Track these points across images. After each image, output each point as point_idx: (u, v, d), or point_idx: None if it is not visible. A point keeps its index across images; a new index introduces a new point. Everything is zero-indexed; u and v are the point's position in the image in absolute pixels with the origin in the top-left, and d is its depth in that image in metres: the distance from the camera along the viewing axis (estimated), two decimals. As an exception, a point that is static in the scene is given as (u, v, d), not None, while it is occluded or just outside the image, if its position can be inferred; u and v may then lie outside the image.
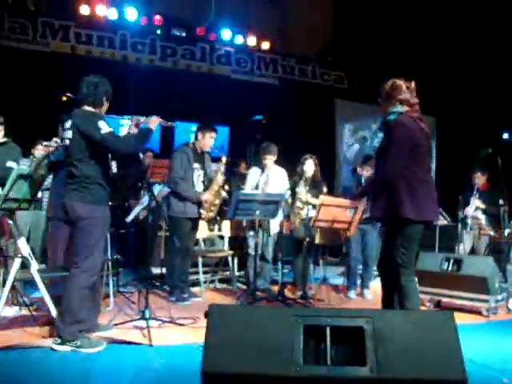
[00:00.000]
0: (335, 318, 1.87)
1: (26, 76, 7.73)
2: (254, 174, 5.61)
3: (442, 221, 6.71)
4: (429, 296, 5.25)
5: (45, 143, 4.73)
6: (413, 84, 3.43)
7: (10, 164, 4.49)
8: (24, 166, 4.74)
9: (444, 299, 5.19)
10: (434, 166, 11.60)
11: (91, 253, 3.51)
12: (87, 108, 3.63)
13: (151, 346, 3.58)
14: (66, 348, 3.43)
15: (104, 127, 3.46)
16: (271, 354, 1.80)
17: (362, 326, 1.85)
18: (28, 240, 5.04)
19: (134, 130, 3.82)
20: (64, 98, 6.01)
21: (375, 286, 6.34)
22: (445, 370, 1.78)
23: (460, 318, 4.71)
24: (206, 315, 1.95)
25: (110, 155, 3.74)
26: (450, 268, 5.11)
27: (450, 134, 10.88)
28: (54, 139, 4.46)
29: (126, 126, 8.62)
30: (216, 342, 1.88)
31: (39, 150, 5.68)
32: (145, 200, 4.56)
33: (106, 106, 3.73)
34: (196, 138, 5.28)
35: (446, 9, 9.54)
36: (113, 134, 3.51)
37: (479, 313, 4.98)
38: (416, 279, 5.20)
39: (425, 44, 9.83)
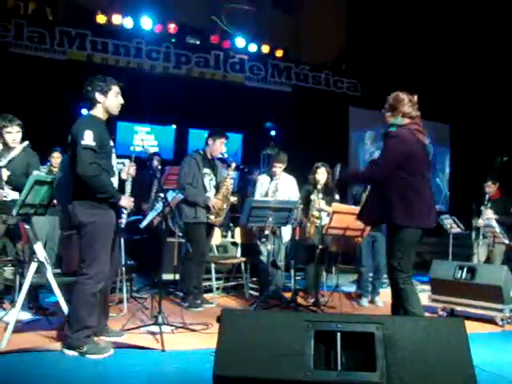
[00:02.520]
0: (346, 324, 1.88)
1: (43, 84, 7.86)
2: (262, 181, 5.64)
3: (456, 228, 6.68)
4: (442, 304, 5.21)
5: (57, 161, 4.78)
6: (415, 97, 3.59)
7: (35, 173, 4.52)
8: (42, 173, 4.82)
9: (458, 308, 5.15)
10: (447, 171, 11.57)
11: (96, 258, 3.46)
12: (92, 112, 3.59)
13: (164, 351, 3.61)
14: (74, 353, 3.44)
15: (87, 139, 3.37)
16: (282, 359, 1.82)
17: (372, 331, 1.86)
18: (45, 245, 5.13)
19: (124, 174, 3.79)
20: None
21: (387, 293, 6.33)
22: (455, 379, 1.78)
23: (474, 327, 4.76)
24: (219, 320, 1.97)
25: (113, 160, 3.68)
26: (463, 276, 5.06)
27: (465, 141, 10.83)
28: None
29: (139, 133, 8.76)
30: (228, 346, 1.90)
31: (56, 158, 5.79)
32: (159, 206, 4.61)
33: (104, 100, 3.55)
34: (206, 144, 5.32)
35: (461, 16, 9.52)
36: (87, 152, 3.37)
37: (494, 322, 4.92)
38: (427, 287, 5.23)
39: (439, 51, 9.81)
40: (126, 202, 3.62)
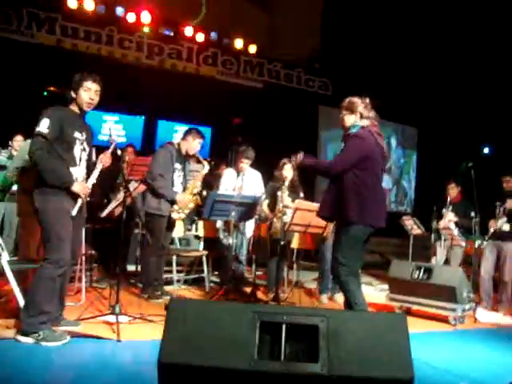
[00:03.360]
0: (291, 316, 1.92)
1: (9, 66, 7.68)
2: (228, 175, 5.66)
3: (416, 230, 6.83)
4: (399, 303, 5.34)
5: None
6: (367, 100, 3.74)
7: None
8: (1, 156, 4.74)
9: (414, 307, 5.28)
10: (412, 176, 11.80)
11: (55, 245, 3.46)
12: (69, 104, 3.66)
13: (119, 340, 3.59)
14: (29, 340, 3.41)
15: (41, 125, 3.42)
16: (227, 348, 1.84)
17: (316, 324, 1.90)
18: (1, 231, 5.03)
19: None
20: (45, 93, 6.01)
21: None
22: (394, 369, 1.84)
23: (428, 326, 4.89)
24: (166, 307, 1.99)
25: (76, 150, 3.66)
26: (420, 276, 5.19)
27: (432, 145, 11.06)
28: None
29: (108, 122, 8.66)
30: (174, 334, 1.92)
31: (18, 142, 5.68)
32: (120, 196, 4.57)
33: (76, 96, 3.62)
34: (184, 140, 5.27)
35: (431, 21, 9.70)
36: (38, 138, 3.42)
37: (447, 321, 5.07)
38: (385, 287, 5.32)
39: (410, 55, 9.98)
40: (79, 187, 3.58)
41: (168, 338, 1.91)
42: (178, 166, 5.24)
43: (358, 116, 3.70)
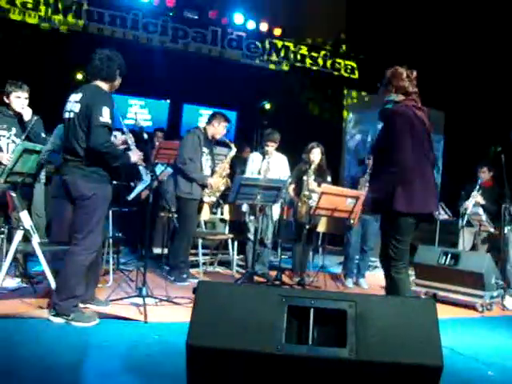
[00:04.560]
0: (319, 300, 1.92)
1: (38, 51, 7.77)
2: (254, 159, 5.66)
3: (443, 215, 6.73)
4: (425, 289, 5.29)
5: None
6: (414, 73, 3.36)
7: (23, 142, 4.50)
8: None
9: (440, 293, 5.23)
10: (440, 161, 11.62)
11: (92, 231, 3.52)
12: (100, 84, 3.57)
13: (146, 322, 3.66)
14: (61, 320, 3.50)
15: (105, 115, 3.40)
16: (254, 332, 1.86)
17: (344, 309, 1.89)
18: (31, 214, 5.13)
19: (119, 143, 3.77)
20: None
21: (373, 276, 6.42)
22: (422, 356, 1.82)
23: (454, 312, 4.85)
24: (195, 291, 2.01)
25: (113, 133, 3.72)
26: (447, 262, 5.14)
27: (459, 129, 10.82)
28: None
29: (133, 106, 8.72)
30: (202, 316, 1.94)
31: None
32: (146, 179, 4.61)
33: (118, 81, 3.67)
34: (210, 124, 5.31)
35: (461, 3, 9.44)
36: (105, 129, 3.42)
37: (474, 308, 5.01)
38: (411, 272, 5.29)
39: (438, 38, 9.75)
40: (136, 156, 3.72)
41: (196, 321, 1.93)
42: (205, 149, 5.29)
43: (394, 89, 3.30)
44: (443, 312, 4.86)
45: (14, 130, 4.41)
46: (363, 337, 1.83)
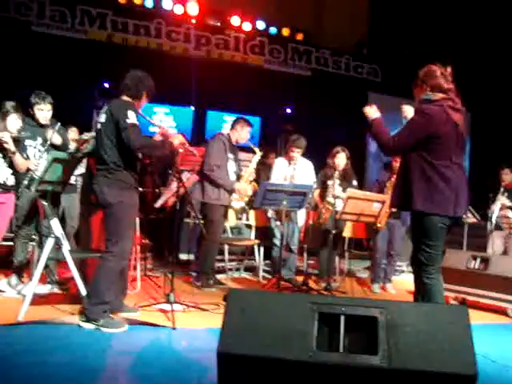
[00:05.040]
0: (350, 307, 1.91)
1: (64, 62, 7.92)
2: (279, 165, 5.66)
3: (471, 218, 6.62)
4: (454, 294, 5.20)
5: (76, 137, 4.88)
6: (449, 69, 3.29)
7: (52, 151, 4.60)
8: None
9: (470, 298, 5.14)
10: (467, 163, 11.45)
11: (121, 237, 3.59)
12: (125, 98, 3.72)
13: (174, 328, 3.68)
14: (90, 326, 3.57)
15: (131, 117, 3.50)
16: (285, 339, 1.86)
17: (375, 316, 1.88)
18: (63, 222, 5.24)
19: (159, 138, 3.84)
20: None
21: (400, 280, 6.36)
22: (455, 364, 1.79)
23: (485, 318, 4.76)
24: (225, 298, 2.02)
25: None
26: (476, 266, 5.05)
27: (487, 131, 10.65)
28: (85, 134, 4.57)
29: (158, 114, 8.82)
30: (233, 324, 1.95)
31: (74, 133, 5.86)
32: (173, 186, 4.66)
33: (144, 101, 3.81)
34: (233, 129, 5.35)
35: (485, 4, 9.31)
36: (135, 128, 3.52)
37: (505, 313, 4.90)
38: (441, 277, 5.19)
39: (462, 38, 9.62)
40: (178, 140, 3.79)
41: (227, 328, 1.94)
42: (230, 155, 5.33)
43: (429, 88, 3.23)
44: (473, 318, 4.73)
45: (39, 140, 4.51)
46: (394, 344, 1.81)
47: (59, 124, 4.51)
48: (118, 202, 3.57)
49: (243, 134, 5.33)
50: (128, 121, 3.49)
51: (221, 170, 5.19)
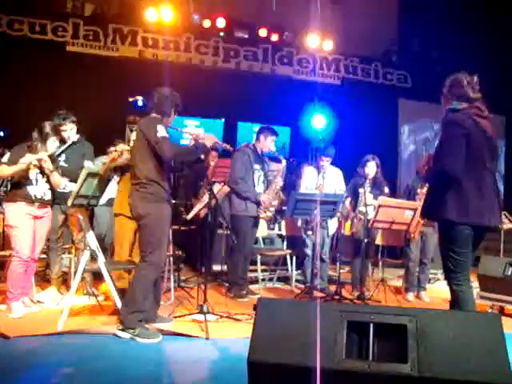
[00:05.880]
0: (379, 315, 1.91)
1: (98, 79, 8.16)
2: (309, 173, 5.67)
3: (508, 224, 6.47)
4: (491, 302, 5.09)
5: (111, 149, 5.03)
6: (475, 78, 3.27)
7: (87, 164, 4.77)
8: (99, 163, 5.06)
9: (508, 306, 5.01)
10: (502, 166, 11.19)
11: (155, 248, 3.72)
12: (154, 115, 3.87)
13: (207, 338, 3.73)
14: (126, 335, 3.66)
15: (161, 131, 3.66)
16: (314, 347, 1.87)
17: (405, 324, 1.87)
18: (105, 235, 5.39)
19: (192, 143, 3.96)
20: (130, 99, 6.37)
21: (435, 289, 6.25)
22: (488, 374, 1.76)
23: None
24: (255, 308, 2.05)
25: None
26: (514, 274, 4.93)
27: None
28: (119, 145, 4.73)
29: (189, 126, 8.95)
30: (262, 333, 1.97)
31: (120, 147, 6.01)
32: (205, 198, 4.73)
33: (172, 117, 3.97)
34: (257, 140, 5.41)
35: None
36: (166, 140, 3.66)
37: (546, 321, 4.76)
38: (475, 284, 5.10)
39: (492, 40, 9.45)
40: (210, 140, 3.94)
41: (256, 337, 1.97)
42: (257, 166, 5.37)
43: (455, 97, 3.22)
44: (510, 326, 4.67)
45: (63, 157, 4.69)
46: (424, 352, 1.80)
47: (78, 136, 4.68)
48: (149, 215, 3.70)
49: (268, 143, 5.39)
50: (158, 134, 3.64)
51: (245, 181, 5.25)
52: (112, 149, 5.34)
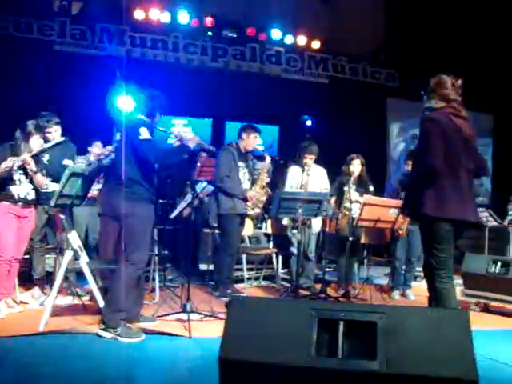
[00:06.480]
0: (349, 313, 1.92)
1: (85, 78, 8.12)
2: (293, 172, 5.69)
3: (492, 222, 6.52)
4: (475, 299, 5.13)
5: (97, 151, 5.02)
6: (459, 81, 3.34)
7: (66, 162, 4.77)
8: (80, 163, 5.04)
9: (491, 303, 5.06)
10: (489, 165, 11.24)
11: (137, 247, 3.74)
12: (140, 116, 3.89)
13: (190, 337, 3.74)
14: (108, 335, 3.66)
15: (143, 134, 3.69)
16: (285, 345, 1.88)
17: (374, 321, 1.89)
18: (86, 235, 5.38)
19: (177, 144, 3.98)
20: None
21: (420, 286, 6.28)
22: (455, 369, 1.78)
23: (508, 323, 4.66)
24: (227, 305, 2.05)
25: None
26: (497, 271, 4.97)
27: (509, 132, 10.48)
28: (107, 147, 4.73)
29: (177, 126, 8.94)
30: (234, 331, 1.98)
31: (96, 148, 6.00)
32: (188, 198, 4.73)
33: (158, 118, 3.99)
34: (240, 138, 5.43)
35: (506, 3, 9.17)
36: (149, 142, 3.69)
37: (529, 318, 4.81)
38: (459, 281, 5.13)
39: (481, 40, 9.50)
40: (192, 142, 3.89)
41: (228, 335, 1.97)
42: (241, 163, 5.40)
43: (437, 97, 3.30)
44: (496, 323, 4.72)
45: (46, 156, 4.67)
46: (394, 349, 1.82)
47: (63, 138, 4.66)
48: (131, 214, 3.70)
49: (251, 141, 5.41)
50: (141, 137, 3.68)
51: (231, 179, 5.27)
52: (90, 149, 5.35)
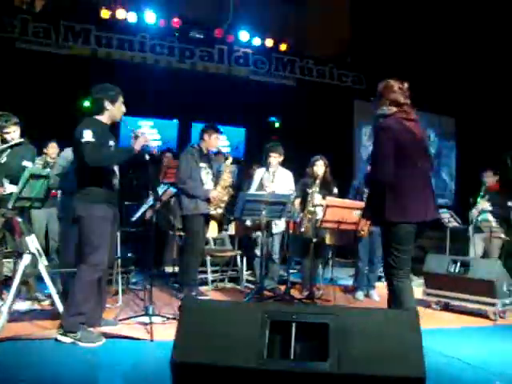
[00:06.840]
0: (301, 315, 1.94)
1: (48, 78, 7.96)
2: (259, 174, 5.71)
3: (453, 223, 6.66)
4: (436, 298, 5.24)
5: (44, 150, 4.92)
6: (406, 84, 3.40)
7: (25, 163, 4.65)
8: (37, 165, 4.94)
9: (452, 302, 5.17)
10: (453, 167, 11.49)
11: (95, 249, 3.66)
12: (94, 117, 3.79)
13: (152, 340, 3.70)
14: (67, 339, 3.58)
15: (86, 136, 3.56)
16: (237, 347, 1.88)
17: (326, 322, 1.91)
18: (46, 237, 5.27)
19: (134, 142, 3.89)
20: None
21: (383, 287, 6.37)
22: (404, 368, 1.82)
23: (467, 322, 4.79)
24: (180, 308, 2.04)
25: None
26: (457, 270, 5.09)
27: (471, 135, 10.73)
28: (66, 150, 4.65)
29: (143, 127, 8.86)
30: (187, 333, 1.97)
31: (52, 148, 5.90)
32: (149, 200, 4.69)
33: (112, 108, 3.79)
34: (202, 139, 5.42)
35: (468, 7, 9.40)
36: (90, 145, 3.56)
37: (487, 316, 4.93)
38: (421, 281, 5.23)
39: (445, 43, 9.71)
40: (139, 143, 3.75)
41: (180, 338, 1.97)
42: (203, 164, 5.40)
43: (387, 102, 3.34)
44: (455, 321, 4.83)
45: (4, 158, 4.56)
46: (345, 350, 1.84)
47: (22, 140, 4.55)
48: (87, 216, 3.65)
49: (212, 142, 5.41)
50: (83, 140, 3.57)
51: (193, 180, 5.26)
52: (45, 150, 5.26)
